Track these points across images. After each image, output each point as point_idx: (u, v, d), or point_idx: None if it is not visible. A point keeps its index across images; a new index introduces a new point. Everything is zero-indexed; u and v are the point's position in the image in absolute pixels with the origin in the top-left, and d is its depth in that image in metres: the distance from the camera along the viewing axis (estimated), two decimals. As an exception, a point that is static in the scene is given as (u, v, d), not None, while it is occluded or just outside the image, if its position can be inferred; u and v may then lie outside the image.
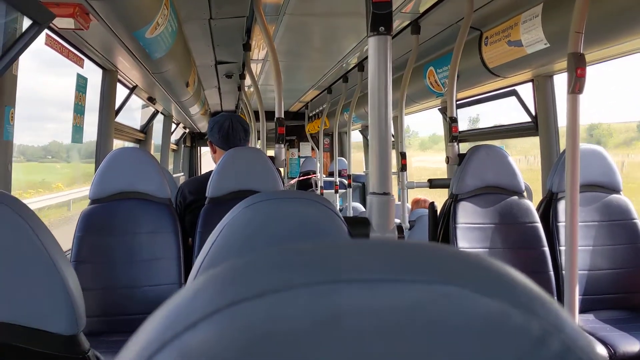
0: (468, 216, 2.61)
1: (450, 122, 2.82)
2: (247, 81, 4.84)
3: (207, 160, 9.64)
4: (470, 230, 2.59)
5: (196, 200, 2.44)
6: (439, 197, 3.27)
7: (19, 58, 1.73)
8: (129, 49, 2.53)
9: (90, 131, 2.94)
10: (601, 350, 2.14)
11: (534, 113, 3.24)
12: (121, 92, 3.63)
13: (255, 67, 4.64)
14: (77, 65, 2.57)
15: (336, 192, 5.97)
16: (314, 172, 6.97)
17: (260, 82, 5.12)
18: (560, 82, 3.15)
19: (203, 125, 7.61)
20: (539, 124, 3.18)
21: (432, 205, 2.82)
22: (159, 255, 2.32)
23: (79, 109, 2.71)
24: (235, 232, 0.88)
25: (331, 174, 6.27)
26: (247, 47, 3.56)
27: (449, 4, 2.75)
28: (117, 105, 3.40)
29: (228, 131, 2.51)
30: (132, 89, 3.75)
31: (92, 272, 2.27)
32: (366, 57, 1.40)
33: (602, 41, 2.19)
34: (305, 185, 7.06)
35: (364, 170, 7.06)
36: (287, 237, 0.87)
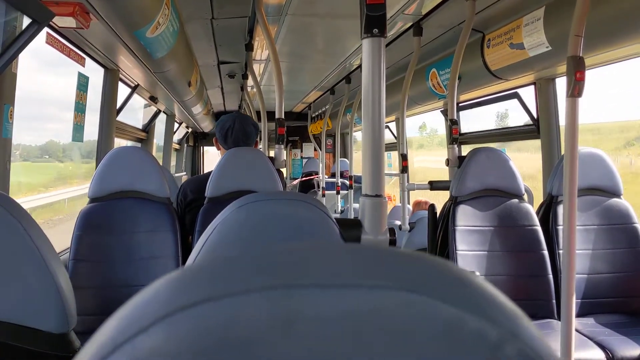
0: (467, 219, 2.60)
1: (451, 124, 2.81)
2: (250, 81, 4.84)
3: (210, 160, 9.66)
4: (470, 233, 2.59)
5: (196, 200, 2.45)
6: (443, 200, 3.26)
7: (18, 56, 1.74)
8: (130, 48, 2.54)
9: (89, 131, 2.94)
10: (599, 354, 2.14)
11: (535, 116, 3.23)
12: (123, 91, 3.64)
13: (257, 68, 4.64)
14: (78, 64, 2.57)
15: (338, 193, 5.97)
16: (316, 173, 6.97)
17: (263, 83, 5.12)
18: (563, 85, 3.14)
19: (206, 125, 7.62)
20: (540, 127, 3.17)
21: (431, 208, 2.82)
22: (158, 254, 2.32)
23: (80, 108, 2.71)
24: (227, 232, 0.88)
25: (333, 175, 6.27)
26: (249, 48, 3.56)
27: (452, 6, 2.75)
28: (118, 104, 3.40)
29: (227, 131, 2.51)
30: (134, 88, 3.75)
31: (91, 271, 2.27)
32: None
33: (602, 45, 2.19)
34: (308, 186, 7.06)
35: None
36: (278, 238, 0.87)
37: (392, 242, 1.28)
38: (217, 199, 2.23)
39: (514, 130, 3.57)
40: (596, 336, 2.28)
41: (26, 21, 1.68)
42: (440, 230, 2.73)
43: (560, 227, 2.54)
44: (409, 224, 3.52)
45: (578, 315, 2.50)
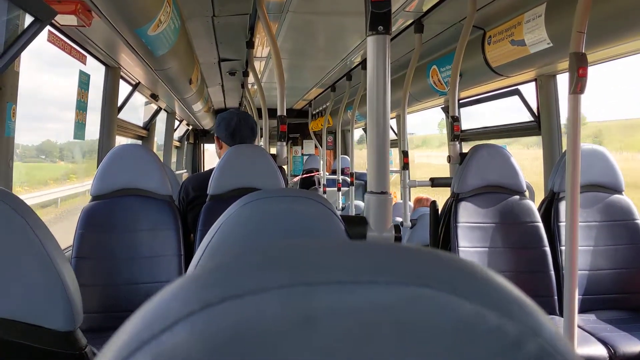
0: (469, 215, 2.60)
1: (452, 121, 2.81)
2: (251, 79, 4.84)
3: (210, 158, 9.65)
4: (471, 230, 2.59)
5: (198, 197, 2.44)
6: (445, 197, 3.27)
7: (20, 55, 1.74)
8: (131, 46, 2.54)
9: (90, 130, 2.93)
10: (601, 350, 2.14)
11: (536, 112, 3.23)
12: (124, 89, 3.64)
13: (258, 65, 4.63)
14: (79, 61, 2.57)
15: (339, 190, 5.97)
16: (317, 170, 6.98)
17: (264, 80, 5.12)
18: (564, 81, 3.14)
19: (207, 123, 7.62)
20: (541, 124, 3.17)
21: (433, 204, 2.82)
22: (160, 252, 2.32)
23: (82, 106, 2.72)
24: (232, 230, 0.88)
25: (334, 172, 6.27)
26: (250, 45, 3.56)
27: (453, 3, 2.75)
28: (120, 102, 3.40)
29: (235, 128, 2.51)
30: (135, 86, 3.75)
31: (93, 269, 2.28)
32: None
33: (604, 41, 2.18)
34: (308, 183, 7.06)
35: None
36: (284, 235, 0.87)
37: (397, 239, 1.28)
38: (220, 196, 2.23)
39: (515, 127, 3.57)
40: (598, 332, 2.28)
41: (28, 19, 1.68)
42: (441, 227, 2.74)
43: (562, 224, 2.54)
44: (410, 220, 3.52)
45: (580, 312, 2.50)
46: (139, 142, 4.42)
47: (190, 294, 0.27)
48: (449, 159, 2.84)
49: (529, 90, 3.33)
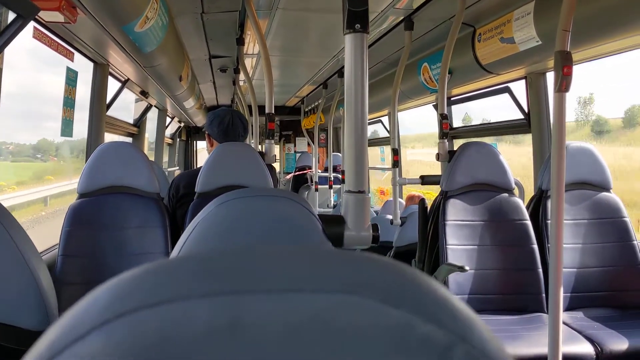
0: (458, 213, 2.61)
1: (441, 118, 2.81)
2: (242, 75, 4.83)
3: (203, 155, 9.62)
4: (460, 227, 2.59)
5: (188, 194, 2.44)
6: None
7: (4, 51, 1.72)
8: (119, 43, 2.52)
9: (79, 130, 2.92)
10: (588, 348, 2.15)
11: (526, 110, 3.24)
12: (114, 86, 3.62)
13: (249, 62, 4.62)
14: (66, 58, 2.55)
15: (331, 187, 5.97)
16: (310, 168, 6.97)
17: (255, 77, 5.11)
18: (553, 79, 3.14)
19: (199, 120, 7.60)
20: (531, 121, 3.17)
21: (422, 202, 2.82)
22: (147, 249, 2.31)
23: (69, 103, 2.70)
24: (209, 229, 0.88)
25: (326, 170, 6.27)
26: (240, 42, 3.55)
27: (443, 0, 2.74)
28: (108, 99, 3.38)
29: (228, 126, 2.50)
30: (124, 83, 3.73)
31: (80, 266, 2.27)
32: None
33: (589, 40, 2.19)
34: (301, 180, 7.05)
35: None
36: (260, 235, 0.87)
37: (375, 238, 1.28)
38: (207, 194, 2.23)
39: (505, 124, 3.57)
40: (585, 330, 2.29)
41: (11, 16, 1.66)
42: (430, 225, 2.74)
43: (549, 221, 2.54)
44: (401, 218, 3.52)
45: (567, 309, 2.51)
46: (130, 139, 4.40)
47: (107, 301, 0.27)
48: (438, 156, 2.84)
49: (519, 88, 3.34)
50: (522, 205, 2.66)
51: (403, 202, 4.60)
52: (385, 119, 5.82)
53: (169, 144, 7.57)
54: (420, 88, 3.93)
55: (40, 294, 0.88)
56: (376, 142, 6.50)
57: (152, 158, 5.26)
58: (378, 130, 6.54)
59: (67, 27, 2.35)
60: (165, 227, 2.35)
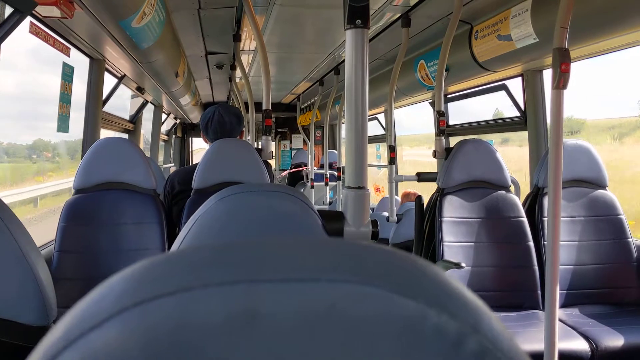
0: (454, 210, 2.61)
1: (438, 115, 2.81)
2: (238, 72, 4.82)
3: (200, 153, 9.60)
4: (456, 224, 2.60)
5: (184, 191, 2.43)
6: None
7: (0, 45, 1.71)
8: (115, 39, 2.51)
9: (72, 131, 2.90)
10: (583, 345, 2.16)
11: (523, 107, 3.24)
12: (110, 81, 3.61)
13: (246, 58, 4.61)
14: (63, 53, 2.54)
15: (326, 184, 5.97)
16: (305, 165, 6.96)
17: (252, 74, 5.10)
18: (550, 77, 3.14)
19: (194, 116, 7.58)
20: (527, 119, 3.18)
21: (418, 199, 2.82)
22: (144, 245, 2.31)
23: (65, 98, 2.69)
24: (208, 225, 0.87)
25: (322, 167, 6.27)
26: (237, 38, 3.54)
27: (440, -3, 2.75)
28: (105, 95, 3.37)
29: (216, 123, 2.49)
30: (121, 79, 3.72)
31: (76, 262, 2.26)
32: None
33: (587, 37, 2.19)
34: (297, 177, 7.05)
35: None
36: (259, 230, 0.87)
37: (375, 234, 1.28)
38: (204, 190, 2.23)
39: (502, 122, 3.58)
40: (581, 327, 2.30)
41: (8, 10, 1.65)
42: (427, 222, 2.74)
43: (545, 219, 2.56)
44: (397, 215, 3.52)
45: (563, 306, 2.52)
46: (126, 135, 4.38)
47: (123, 290, 0.27)
48: (435, 153, 2.84)
49: (516, 85, 3.34)
50: (519, 202, 2.66)
51: (399, 199, 4.60)
52: (381, 116, 5.82)
53: (164, 141, 7.55)
54: (417, 85, 3.93)
55: (39, 289, 0.87)
56: (372, 139, 6.51)
57: (147, 154, 5.24)
58: (374, 127, 6.55)
59: (63, 22, 2.34)
60: (161, 223, 2.35)
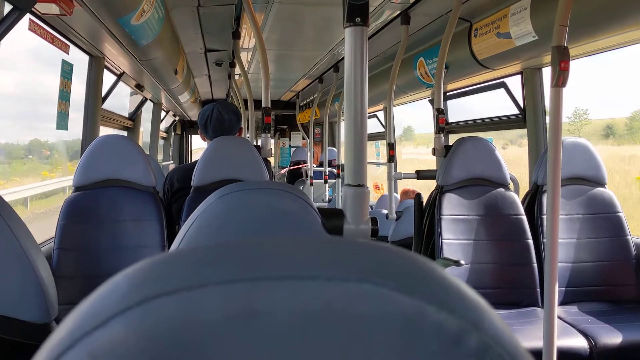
0: (453, 208, 2.62)
1: (437, 113, 2.82)
2: (237, 70, 4.81)
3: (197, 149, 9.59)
4: (455, 222, 2.60)
5: (183, 188, 2.44)
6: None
7: (0, 42, 1.71)
8: (115, 36, 2.51)
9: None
10: (582, 342, 2.16)
11: (522, 105, 3.24)
12: (109, 79, 3.60)
13: (245, 56, 4.61)
14: (62, 51, 2.54)
15: (326, 182, 5.97)
16: (305, 162, 6.96)
17: (251, 71, 5.09)
18: (549, 75, 3.15)
19: (193, 114, 7.58)
20: (526, 116, 3.18)
21: (417, 197, 2.83)
22: (143, 243, 2.31)
23: (64, 96, 2.68)
24: (208, 222, 0.88)
25: (321, 164, 6.27)
26: (236, 35, 3.54)
27: (439, -5, 2.74)
28: (104, 92, 3.36)
29: (215, 122, 2.49)
30: (120, 76, 3.72)
31: (76, 260, 2.26)
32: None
33: (586, 35, 2.19)
34: (296, 175, 7.05)
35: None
36: (259, 228, 0.87)
37: (374, 232, 1.29)
38: (203, 188, 2.23)
39: (501, 119, 3.58)
40: (579, 324, 2.30)
41: (7, 7, 1.65)
42: (426, 219, 2.75)
43: (545, 216, 2.56)
44: (396, 212, 3.52)
45: (562, 304, 2.52)
46: (125, 133, 4.38)
47: (127, 289, 0.27)
48: (434, 151, 2.85)
49: (515, 83, 3.34)
50: (518, 200, 2.67)
51: (398, 196, 4.61)
52: (380, 114, 5.82)
53: (163, 138, 7.55)
54: (416, 83, 3.93)
55: (40, 286, 0.88)
56: (371, 137, 6.51)
57: (146, 152, 5.24)
58: (373, 125, 6.55)
59: (62, 19, 2.34)
60: (161, 220, 2.35)
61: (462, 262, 2.31)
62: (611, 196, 2.67)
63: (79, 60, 2.80)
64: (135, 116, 4.52)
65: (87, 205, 2.30)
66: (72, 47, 2.70)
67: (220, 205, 0.89)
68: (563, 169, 1.77)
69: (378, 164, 6.23)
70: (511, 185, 2.77)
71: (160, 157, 7.26)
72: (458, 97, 4.08)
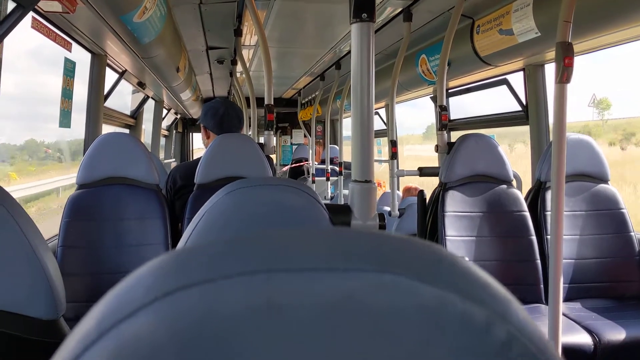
0: (456, 204, 2.61)
1: (440, 110, 2.81)
2: (239, 67, 4.81)
3: (200, 146, 9.58)
4: (459, 219, 2.60)
5: (186, 186, 2.44)
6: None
7: (3, 42, 1.71)
8: (117, 34, 2.51)
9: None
10: (586, 338, 2.16)
11: (524, 102, 3.24)
12: (111, 77, 3.60)
13: (247, 53, 4.60)
14: (64, 48, 2.54)
15: (327, 179, 5.96)
16: (306, 160, 6.96)
17: (253, 68, 5.09)
18: (551, 71, 3.15)
19: (195, 111, 7.58)
20: (529, 113, 3.18)
21: (421, 194, 2.83)
22: (147, 241, 2.31)
23: (67, 94, 2.69)
24: (216, 219, 0.88)
25: (323, 162, 6.26)
26: (238, 33, 3.53)
27: (441, -8, 2.74)
28: (106, 90, 3.36)
29: (223, 117, 2.50)
30: (122, 74, 3.72)
31: (79, 258, 2.26)
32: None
33: (590, 31, 2.19)
34: (297, 172, 7.05)
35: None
36: (267, 224, 0.87)
37: (382, 228, 1.29)
38: (207, 185, 2.23)
39: (503, 116, 3.58)
40: (583, 320, 2.30)
41: (11, 5, 1.65)
42: (429, 216, 2.75)
43: (548, 213, 2.56)
44: (399, 210, 3.52)
45: (565, 300, 2.52)
46: (127, 131, 4.38)
47: (153, 281, 0.27)
48: (437, 148, 2.85)
49: (518, 80, 3.34)
50: (521, 196, 2.67)
51: (400, 194, 4.60)
52: (382, 111, 5.82)
53: (165, 136, 7.55)
54: (418, 80, 3.93)
55: (48, 283, 0.88)
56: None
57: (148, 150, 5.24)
58: (375, 122, 6.53)
59: (65, 17, 2.33)
60: (164, 218, 2.35)
61: (466, 258, 2.31)
62: (614, 192, 2.67)
63: (79, 61, 2.80)
64: (137, 114, 4.52)
65: (91, 203, 2.30)
66: (73, 49, 2.70)
67: (227, 201, 0.89)
68: (566, 166, 1.77)
69: (380, 161, 6.22)
70: (514, 182, 2.77)
71: (162, 155, 7.27)
72: (460, 94, 4.07)
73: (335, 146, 6.73)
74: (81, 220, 2.29)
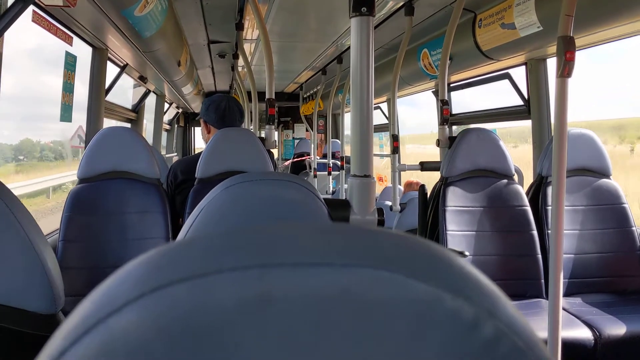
0: (458, 199, 2.61)
1: (442, 104, 2.81)
2: (241, 61, 4.80)
3: (201, 141, 9.57)
4: (460, 213, 2.60)
5: (187, 180, 2.44)
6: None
7: (4, 35, 1.71)
8: (118, 27, 2.50)
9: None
10: (587, 333, 2.16)
11: (526, 96, 3.23)
12: (112, 71, 3.60)
13: (248, 47, 4.60)
14: (65, 42, 2.53)
15: (329, 174, 5.96)
16: (308, 154, 6.96)
17: (254, 63, 5.08)
18: (554, 65, 3.13)
19: (196, 105, 7.57)
20: (531, 108, 3.17)
21: (422, 188, 2.82)
22: (147, 235, 2.31)
23: (68, 87, 2.68)
24: (215, 213, 0.88)
25: (325, 156, 6.26)
26: (239, 27, 3.53)
27: (443, -15, 2.73)
28: (107, 84, 3.36)
29: (225, 111, 2.50)
30: (123, 68, 3.71)
31: (81, 252, 2.27)
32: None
33: (592, 25, 2.18)
34: (299, 167, 7.05)
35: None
36: (265, 218, 0.87)
37: (381, 222, 1.29)
38: (208, 179, 2.23)
39: (505, 110, 3.57)
40: (584, 315, 2.30)
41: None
42: (430, 211, 2.74)
43: (549, 208, 2.56)
44: (400, 204, 3.52)
45: (566, 295, 2.52)
46: (128, 125, 4.38)
47: (140, 276, 0.27)
48: (438, 142, 2.84)
49: (519, 74, 3.33)
50: (522, 191, 2.66)
51: (401, 188, 4.60)
52: (383, 105, 5.81)
53: (166, 130, 7.55)
54: (420, 74, 3.92)
55: (47, 277, 0.88)
56: (375, 128, 6.48)
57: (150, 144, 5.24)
58: (377, 117, 6.52)
59: (66, 10, 2.33)
60: (165, 212, 2.35)
61: (467, 253, 2.31)
62: (616, 187, 2.67)
63: (79, 58, 2.79)
64: (138, 108, 4.52)
65: (92, 197, 2.31)
66: (74, 45, 2.69)
67: (226, 196, 0.89)
68: (568, 160, 1.76)
69: (382, 155, 6.22)
70: (515, 177, 2.77)
71: (163, 151, 7.27)
72: (462, 88, 4.06)
73: (337, 140, 6.73)
74: (82, 214, 2.29)
